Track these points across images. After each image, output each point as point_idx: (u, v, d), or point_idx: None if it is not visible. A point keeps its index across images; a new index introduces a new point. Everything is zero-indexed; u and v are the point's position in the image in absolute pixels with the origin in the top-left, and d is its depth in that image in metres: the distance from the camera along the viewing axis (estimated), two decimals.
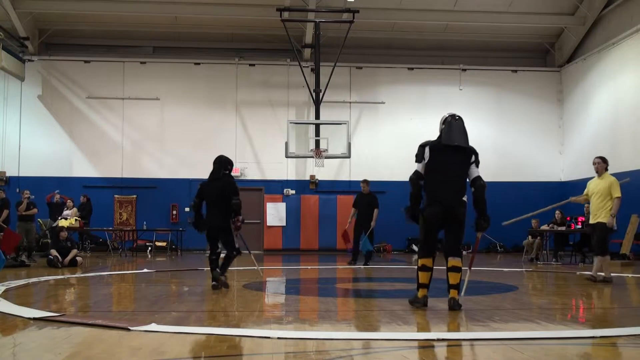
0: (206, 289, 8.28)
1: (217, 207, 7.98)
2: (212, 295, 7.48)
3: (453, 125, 6.10)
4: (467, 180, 6.12)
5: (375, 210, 13.10)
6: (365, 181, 13.33)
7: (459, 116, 6.21)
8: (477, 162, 6.11)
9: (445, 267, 6.02)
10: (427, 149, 6.08)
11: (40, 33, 19.38)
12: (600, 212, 8.95)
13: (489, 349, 4.24)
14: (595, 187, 9.13)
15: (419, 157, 6.10)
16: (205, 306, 6.58)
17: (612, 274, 9.14)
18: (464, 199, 6.06)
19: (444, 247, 6.10)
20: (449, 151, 6.03)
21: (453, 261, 5.94)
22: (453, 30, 19.73)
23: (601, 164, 9.21)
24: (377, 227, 17.91)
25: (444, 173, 5.99)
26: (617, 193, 8.95)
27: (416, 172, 6.11)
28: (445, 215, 5.96)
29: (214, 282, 7.95)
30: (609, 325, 5.20)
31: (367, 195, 13.15)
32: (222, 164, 8.24)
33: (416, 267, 6.11)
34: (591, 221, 9.17)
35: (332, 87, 18.30)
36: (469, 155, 6.08)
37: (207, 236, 8.10)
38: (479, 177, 6.06)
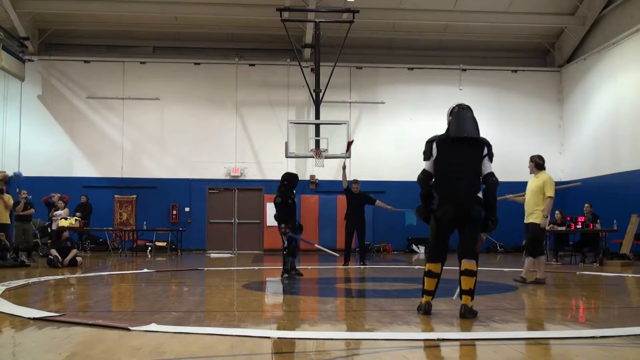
0: (206, 289, 8.28)
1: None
2: (212, 295, 7.49)
3: (461, 116, 5.54)
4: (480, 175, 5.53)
5: (377, 201, 13.29)
6: (356, 181, 13.28)
7: (467, 105, 5.65)
8: (490, 156, 5.52)
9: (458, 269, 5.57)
10: (434, 145, 5.53)
11: (40, 33, 19.38)
12: (533, 212, 8.58)
13: (489, 349, 4.23)
14: (530, 185, 8.80)
15: (427, 154, 5.54)
16: (205, 306, 6.58)
17: (546, 274, 8.86)
18: (479, 195, 5.49)
19: (457, 248, 5.51)
20: (459, 144, 5.47)
21: (467, 264, 5.38)
22: (453, 30, 19.73)
23: (530, 163, 8.87)
24: (377, 226, 17.88)
25: (455, 169, 5.43)
26: (550, 193, 8.52)
27: (424, 171, 5.57)
28: (458, 215, 5.42)
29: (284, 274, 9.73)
30: (609, 325, 5.19)
31: (359, 195, 13.09)
32: (283, 179, 9.84)
33: (423, 271, 5.66)
34: (525, 220, 8.77)
35: (332, 87, 18.30)
36: (481, 147, 5.49)
37: None
38: (492, 174, 5.49)
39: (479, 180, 5.51)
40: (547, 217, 8.59)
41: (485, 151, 5.52)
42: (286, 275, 9.67)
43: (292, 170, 19.57)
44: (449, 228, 5.53)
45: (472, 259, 5.41)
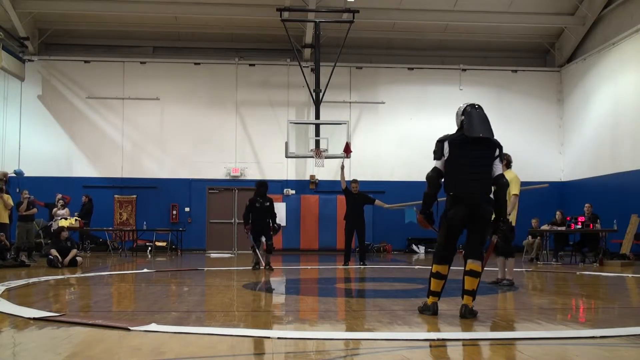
0: (206, 289, 8.28)
1: None
2: (212, 295, 7.49)
3: (474, 115, 5.47)
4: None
5: (377, 201, 13.35)
6: (355, 181, 13.25)
7: (478, 105, 5.57)
8: (501, 157, 5.51)
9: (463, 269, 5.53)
10: (446, 144, 5.45)
11: (40, 33, 19.38)
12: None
13: (489, 349, 4.24)
14: None
15: (438, 154, 5.47)
16: (205, 306, 6.58)
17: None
18: (491, 195, 5.49)
19: (464, 247, 5.52)
20: (472, 145, 5.41)
21: (472, 264, 5.37)
22: (453, 30, 19.73)
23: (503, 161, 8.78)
24: (377, 226, 17.75)
25: (467, 169, 5.38)
26: (515, 190, 8.29)
27: (435, 169, 5.49)
28: (470, 216, 5.38)
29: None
30: (609, 325, 5.19)
31: (358, 195, 13.08)
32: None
33: (429, 272, 5.60)
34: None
35: (332, 87, 18.30)
36: (493, 148, 5.47)
37: None
38: (502, 175, 5.50)
39: (491, 181, 5.49)
40: (509, 214, 8.39)
41: (497, 152, 5.49)
42: (256, 268, 11.53)
43: (292, 170, 19.63)
44: (459, 229, 5.47)
45: (478, 260, 5.40)
